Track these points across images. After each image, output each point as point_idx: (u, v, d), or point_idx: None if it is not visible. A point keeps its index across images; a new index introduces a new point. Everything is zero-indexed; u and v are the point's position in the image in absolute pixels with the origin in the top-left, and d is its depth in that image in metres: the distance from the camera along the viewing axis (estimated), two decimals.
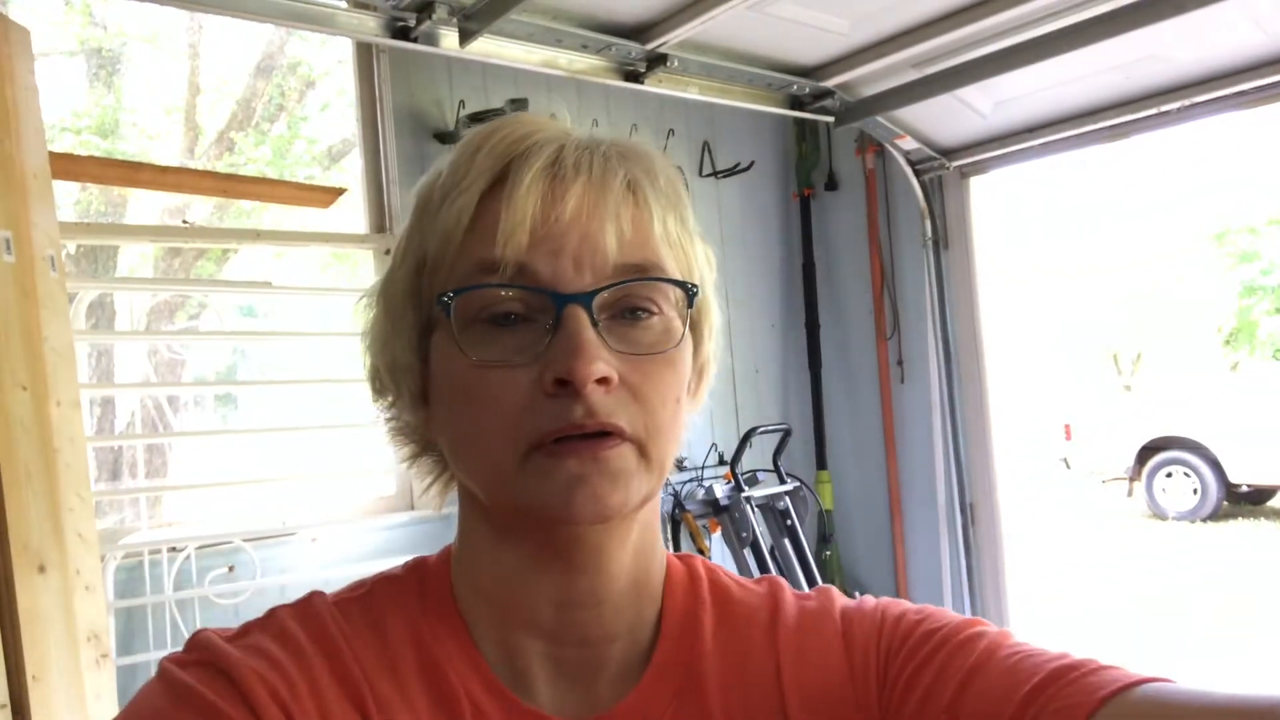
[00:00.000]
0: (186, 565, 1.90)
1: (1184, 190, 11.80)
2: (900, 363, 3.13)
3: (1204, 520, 8.37)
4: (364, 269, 2.56)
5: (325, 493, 2.30)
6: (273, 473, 2.24)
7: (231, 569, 1.98)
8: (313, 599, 0.60)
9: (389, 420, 0.63)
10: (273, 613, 0.58)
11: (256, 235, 2.50)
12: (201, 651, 0.54)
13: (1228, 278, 11.72)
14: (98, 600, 1.62)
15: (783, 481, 3.04)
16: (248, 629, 0.57)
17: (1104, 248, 12.40)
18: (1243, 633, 5.40)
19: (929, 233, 3.05)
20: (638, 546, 0.59)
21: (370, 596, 0.60)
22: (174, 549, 1.90)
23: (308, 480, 2.28)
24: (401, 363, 0.58)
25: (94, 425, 2.29)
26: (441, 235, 0.55)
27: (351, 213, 2.55)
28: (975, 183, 3.08)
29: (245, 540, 2.00)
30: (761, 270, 3.30)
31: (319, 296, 2.44)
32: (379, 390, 0.62)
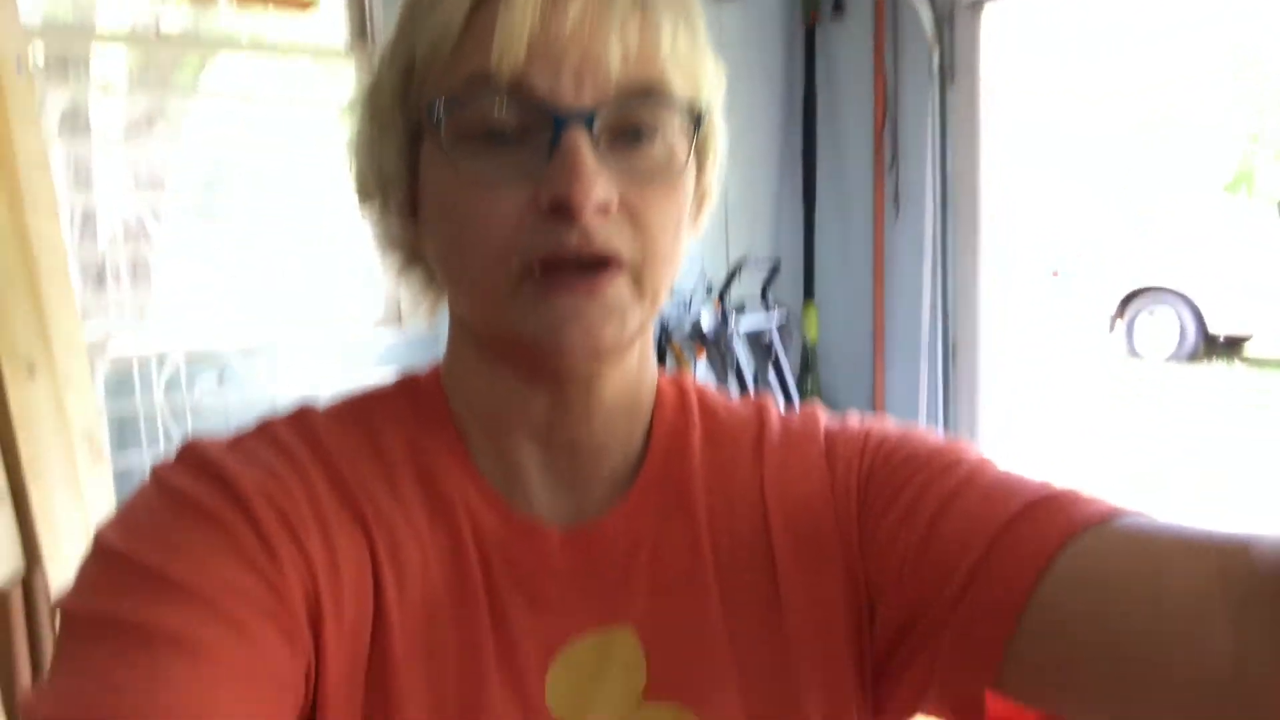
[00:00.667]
0: (175, 375, 1.92)
1: (1203, 14, 11.26)
2: (896, 198, 3.08)
3: (1181, 362, 8.56)
4: (344, 81, 2.47)
5: (313, 308, 2.31)
6: (259, 286, 2.24)
7: (221, 379, 2.01)
8: (306, 411, 0.59)
9: (376, 229, 0.61)
10: (266, 424, 0.58)
11: (233, 43, 2.39)
12: (196, 459, 0.53)
13: (1236, 123, 11.45)
14: (89, 401, 1.65)
15: (770, 312, 3.07)
16: (241, 439, 0.57)
17: (1112, 76, 11.98)
18: (1210, 472, 5.62)
19: (935, 64, 2.95)
20: (630, 370, 0.60)
21: (363, 409, 0.60)
22: (162, 358, 1.92)
23: (295, 295, 2.28)
24: (389, 171, 0.56)
25: (76, 238, 2.26)
26: (431, 41, 0.52)
27: (331, 24, 2.44)
28: (990, 10, 2.94)
29: (233, 351, 2.02)
30: (761, 98, 3.19)
31: (300, 109, 2.36)
32: (365, 197, 0.60)
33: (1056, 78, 11.42)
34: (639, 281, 0.53)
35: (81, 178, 2.27)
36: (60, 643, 0.46)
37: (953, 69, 2.96)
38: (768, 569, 0.59)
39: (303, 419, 0.58)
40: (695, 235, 0.61)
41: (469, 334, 0.59)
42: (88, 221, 2.31)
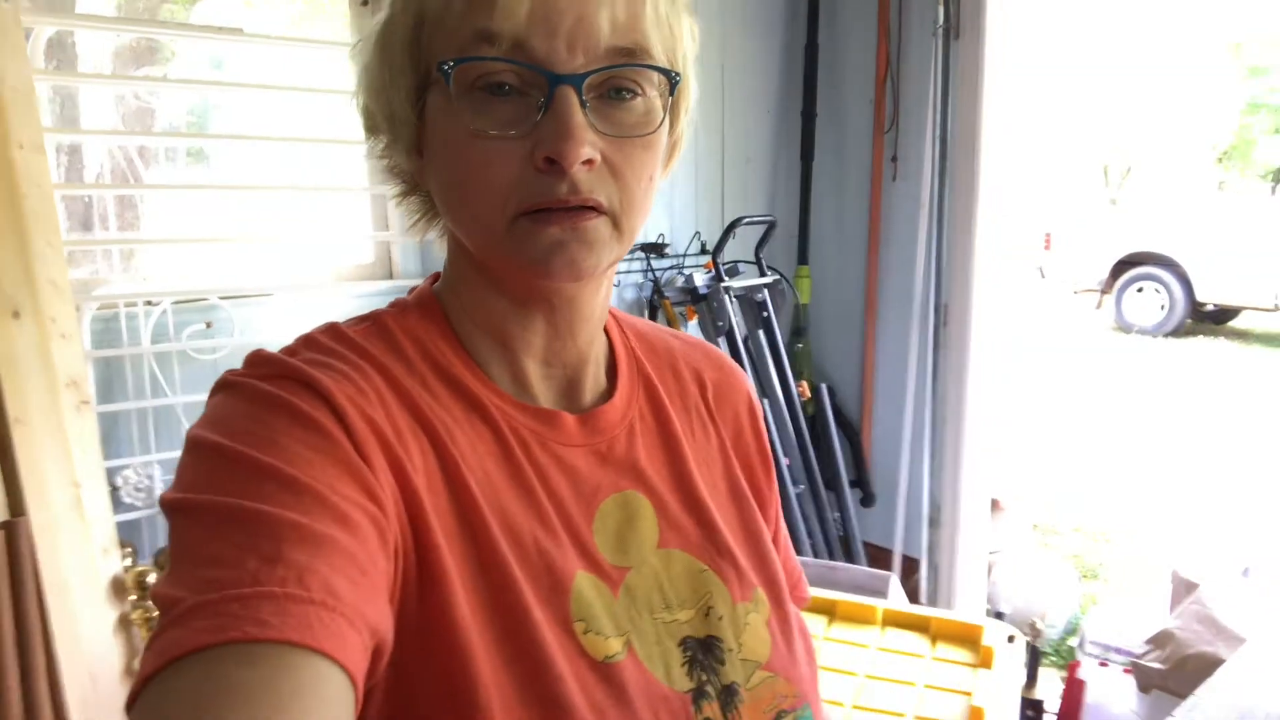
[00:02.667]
0: (163, 320, 1.89)
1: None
2: (895, 159, 3.05)
3: (1166, 336, 8.60)
4: (339, 19, 2.40)
5: (302, 256, 2.27)
6: (248, 232, 2.20)
7: (209, 325, 1.98)
8: (336, 326, 0.66)
9: (381, 159, 0.69)
10: (310, 336, 0.64)
11: None
12: (273, 366, 0.58)
13: (1234, 92, 11.38)
14: (75, 348, 1.62)
15: (763, 274, 3.05)
16: (295, 350, 0.62)
17: (1116, 46, 11.86)
18: (1191, 447, 5.67)
19: (940, 19, 2.89)
20: (602, 294, 0.71)
21: (379, 326, 0.67)
22: (150, 303, 1.88)
23: (284, 242, 2.24)
24: (399, 115, 0.63)
25: (61, 175, 2.20)
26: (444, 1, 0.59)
27: None
28: None
29: (222, 298, 1.98)
30: (761, 53, 3.13)
31: (291, 47, 2.30)
32: (372, 131, 0.67)
33: (1058, 41, 11.28)
34: (616, 224, 0.62)
35: (67, 114, 2.21)
36: (176, 535, 0.49)
37: (958, 23, 2.91)
38: (713, 424, 0.79)
39: (338, 333, 0.65)
40: (665, 177, 0.70)
41: (471, 264, 0.68)
42: (74, 160, 2.25)
